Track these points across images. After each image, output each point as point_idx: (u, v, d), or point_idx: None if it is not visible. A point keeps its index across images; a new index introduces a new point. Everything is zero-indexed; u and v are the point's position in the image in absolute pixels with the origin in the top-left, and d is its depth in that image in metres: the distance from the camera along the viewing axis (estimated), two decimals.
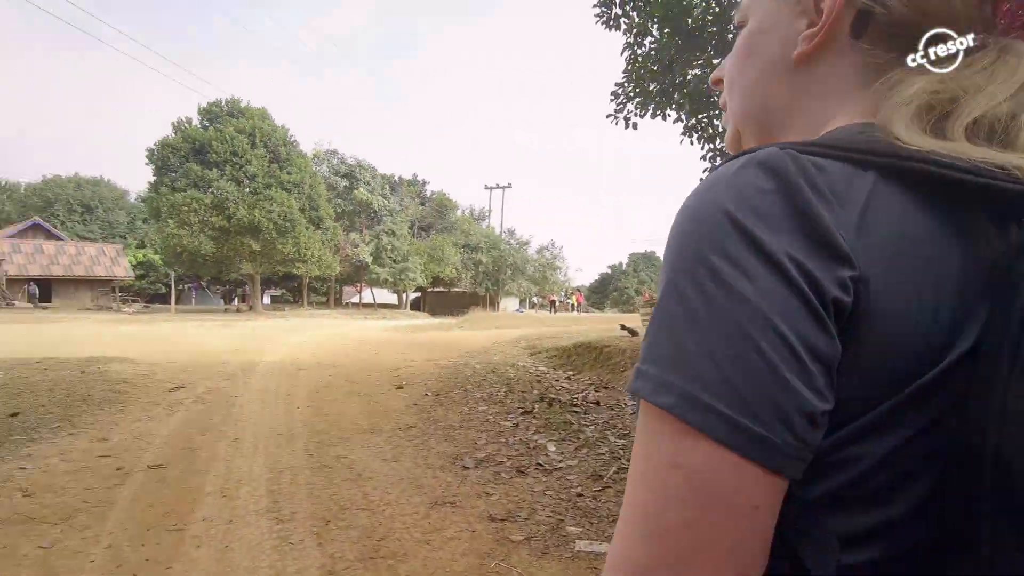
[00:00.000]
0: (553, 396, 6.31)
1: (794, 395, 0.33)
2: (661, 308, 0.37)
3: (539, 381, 7.42)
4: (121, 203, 51.54)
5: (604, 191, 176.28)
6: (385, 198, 41.35)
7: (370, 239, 39.83)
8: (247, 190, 31.12)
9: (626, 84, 8.12)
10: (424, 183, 48.85)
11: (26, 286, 35.28)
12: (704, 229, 0.36)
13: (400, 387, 7.23)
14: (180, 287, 40.92)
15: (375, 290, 48.54)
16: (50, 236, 39.72)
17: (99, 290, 38.01)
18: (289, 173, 32.19)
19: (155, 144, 31.24)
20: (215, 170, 30.09)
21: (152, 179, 31.93)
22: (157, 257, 39.20)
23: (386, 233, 40.07)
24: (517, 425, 5.29)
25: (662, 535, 0.34)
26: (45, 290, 36.22)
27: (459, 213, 49.89)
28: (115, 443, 4.47)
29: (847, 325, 0.36)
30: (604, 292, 67.69)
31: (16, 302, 31.90)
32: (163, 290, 42.53)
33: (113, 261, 39.31)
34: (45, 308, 31.88)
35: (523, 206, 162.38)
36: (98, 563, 2.65)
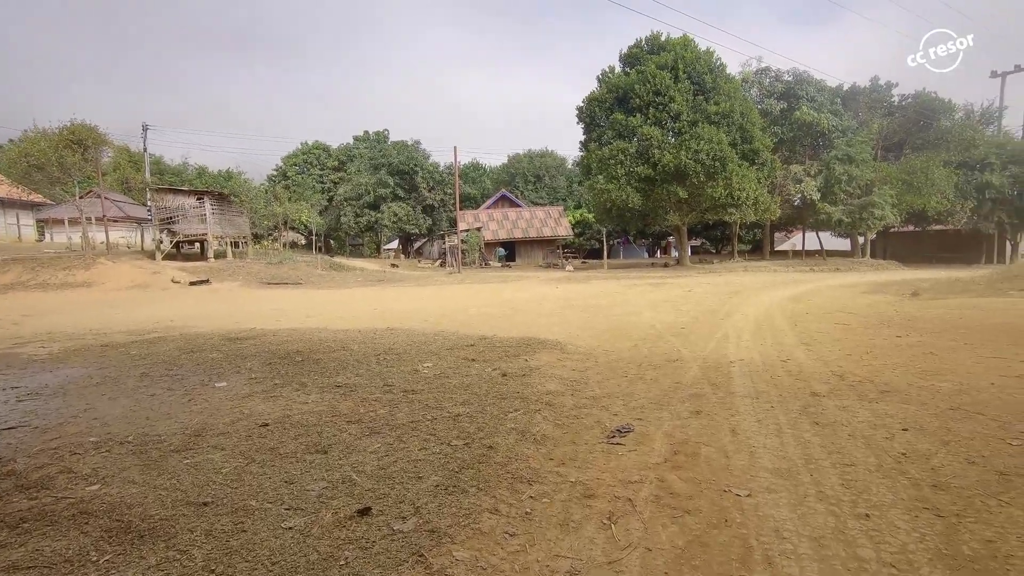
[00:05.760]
0: None
1: None
2: None
3: None
4: (561, 169, 57.64)
5: None
6: (836, 115, 32.30)
7: (817, 170, 31.88)
8: (670, 133, 28.38)
9: None
10: (891, 86, 36.45)
11: (494, 249, 42.25)
12: None
13: None
14: (611, 242, 42.42)
15: (818, 233, 39.93)
16: (513, 204, 46.92)
17: (547, 248, 42.71)
18: (716, 104, 27.79)
19: (583, 101, 31.68)
20: (638, 115, 28.30)
21: (582, 138, 32.75)
22: (590, 216, 41.31)
23: (839, 160, 31.21)
24: None
25: None
26: (511, 250, 42.73)
27: (952, 119, 35.43)
28: None
29: None
30: None
31: (490, 262, 38.35)
32: (597, 245, 45.13)
33: (556, 222, 43.53)
34: (510, 266, 37.25)
35: None
36: None
